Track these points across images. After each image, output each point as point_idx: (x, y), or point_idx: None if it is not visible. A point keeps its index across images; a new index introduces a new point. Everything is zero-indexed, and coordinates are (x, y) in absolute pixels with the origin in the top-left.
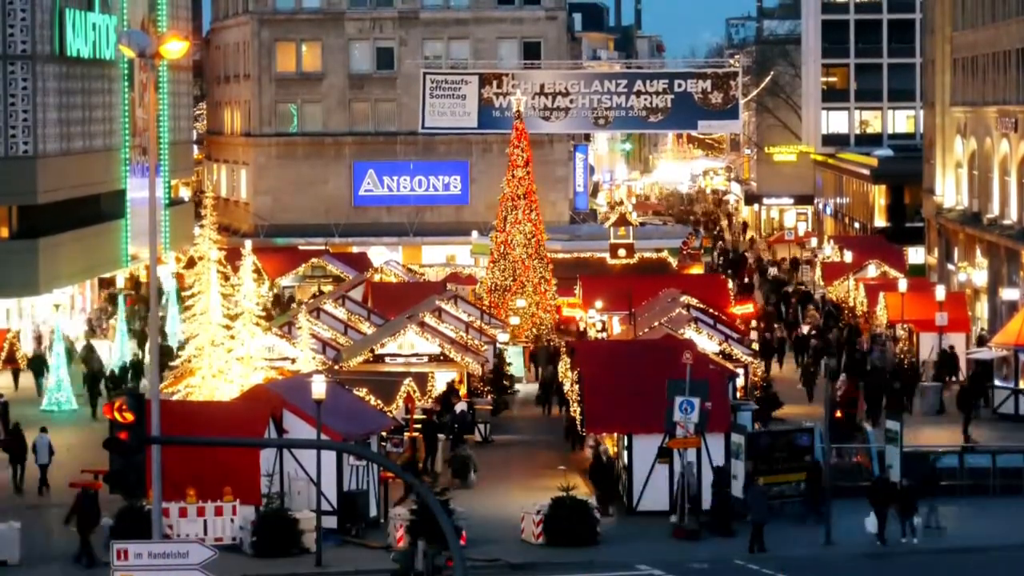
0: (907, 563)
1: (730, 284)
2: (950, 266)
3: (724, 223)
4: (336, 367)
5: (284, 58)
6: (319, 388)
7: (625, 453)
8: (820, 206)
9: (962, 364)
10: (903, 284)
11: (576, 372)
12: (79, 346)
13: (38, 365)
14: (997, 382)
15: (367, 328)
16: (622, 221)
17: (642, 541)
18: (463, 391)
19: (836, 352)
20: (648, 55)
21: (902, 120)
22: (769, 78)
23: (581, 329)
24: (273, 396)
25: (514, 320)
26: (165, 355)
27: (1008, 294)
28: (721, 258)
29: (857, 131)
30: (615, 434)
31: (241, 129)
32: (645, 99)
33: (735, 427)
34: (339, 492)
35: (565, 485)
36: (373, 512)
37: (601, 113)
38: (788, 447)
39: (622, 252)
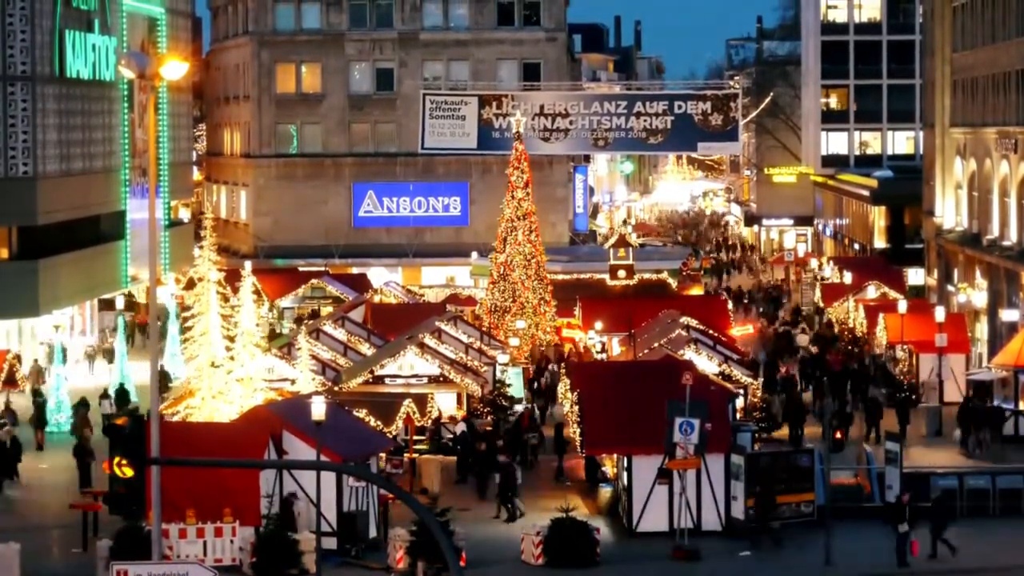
0: None
1: (730, 304)
2: (950, 287)
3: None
4: (336, 388)
5: (284, 79)
6: (319, 409)
7: (625, 474)
8: (820, 227)
9: (962, 384)
10: (903, 305)
11: (576, 393)
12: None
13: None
14: (996, 403)
15: (367, 349)
16: (622, 242)
17: (642, 562)
18: (462, 412)
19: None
20: (648, 76)
21: (902, 141)
22: (769, 99)
23: (581, 350)
24: (273, 417)
25: (514, 341)
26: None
27: (1008, 315)
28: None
29: (857, 152)
30: (615, 455)
31: (241, 150)
32: (645, 120)
33: (735, 448)
34: (339, 513)
35: (565, 506)
36: (373, 533)
37: (601, 134)
38: (788, 468)
39: (622, 273)
